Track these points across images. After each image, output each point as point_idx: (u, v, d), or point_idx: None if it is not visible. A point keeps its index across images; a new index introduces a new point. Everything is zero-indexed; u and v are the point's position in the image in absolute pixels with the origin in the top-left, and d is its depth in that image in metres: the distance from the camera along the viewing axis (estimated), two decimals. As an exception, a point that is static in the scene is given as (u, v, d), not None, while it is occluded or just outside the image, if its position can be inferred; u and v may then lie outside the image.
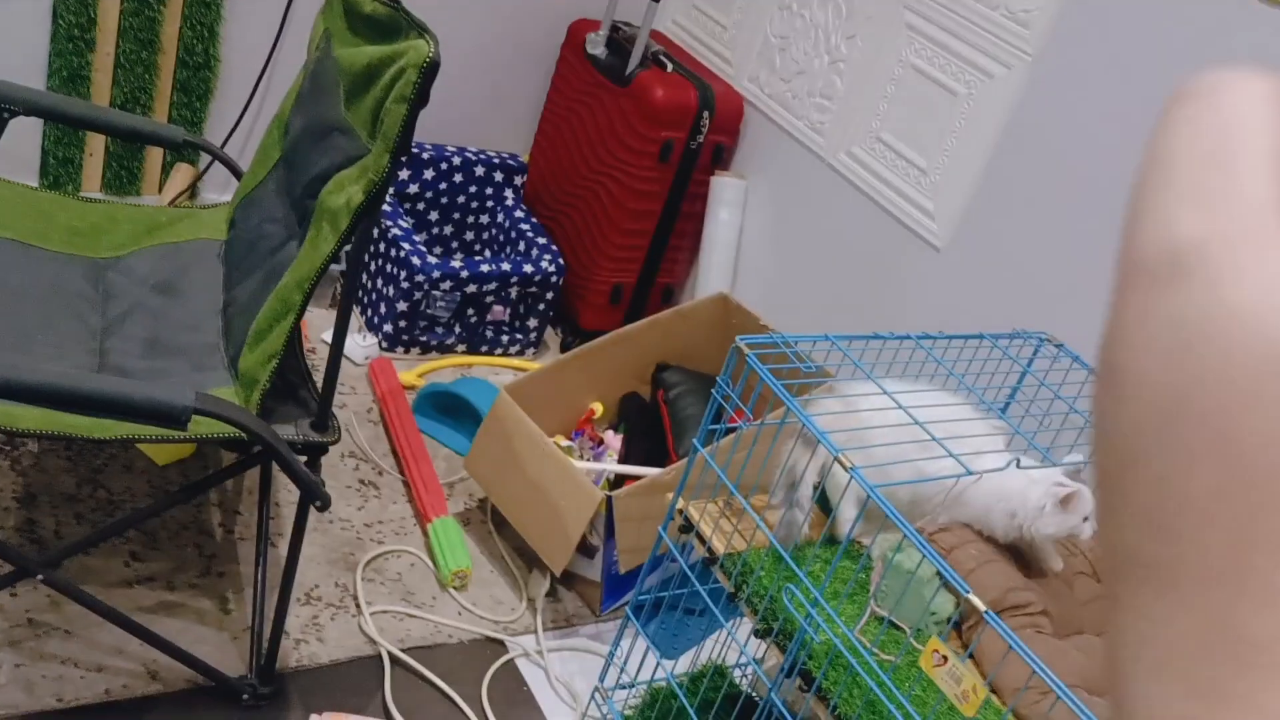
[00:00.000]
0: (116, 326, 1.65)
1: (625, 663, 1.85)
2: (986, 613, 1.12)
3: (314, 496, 1.41)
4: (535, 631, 1.95)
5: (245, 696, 1.63)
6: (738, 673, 1.87)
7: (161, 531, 1.86)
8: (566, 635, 1.97)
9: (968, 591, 1.13)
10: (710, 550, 1.51)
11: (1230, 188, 0.24)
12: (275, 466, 2.02)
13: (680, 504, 1.59)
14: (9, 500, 1.81)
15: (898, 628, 1.45)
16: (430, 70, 1.23)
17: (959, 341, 1.72)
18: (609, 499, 1.85)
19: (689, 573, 1.57)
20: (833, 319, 2.44)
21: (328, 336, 2.51)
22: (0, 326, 1.57)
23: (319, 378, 1.56)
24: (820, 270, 2.47)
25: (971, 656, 1.40)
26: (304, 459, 1.45)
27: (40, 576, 1.41)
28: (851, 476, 1.28)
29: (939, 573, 1.41)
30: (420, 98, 1.25)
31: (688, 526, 1.56)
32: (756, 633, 1.43)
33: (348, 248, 1.38)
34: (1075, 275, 1.94)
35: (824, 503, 1.66)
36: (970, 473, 1.33)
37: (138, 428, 1.36)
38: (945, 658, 1.15)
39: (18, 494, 1.83)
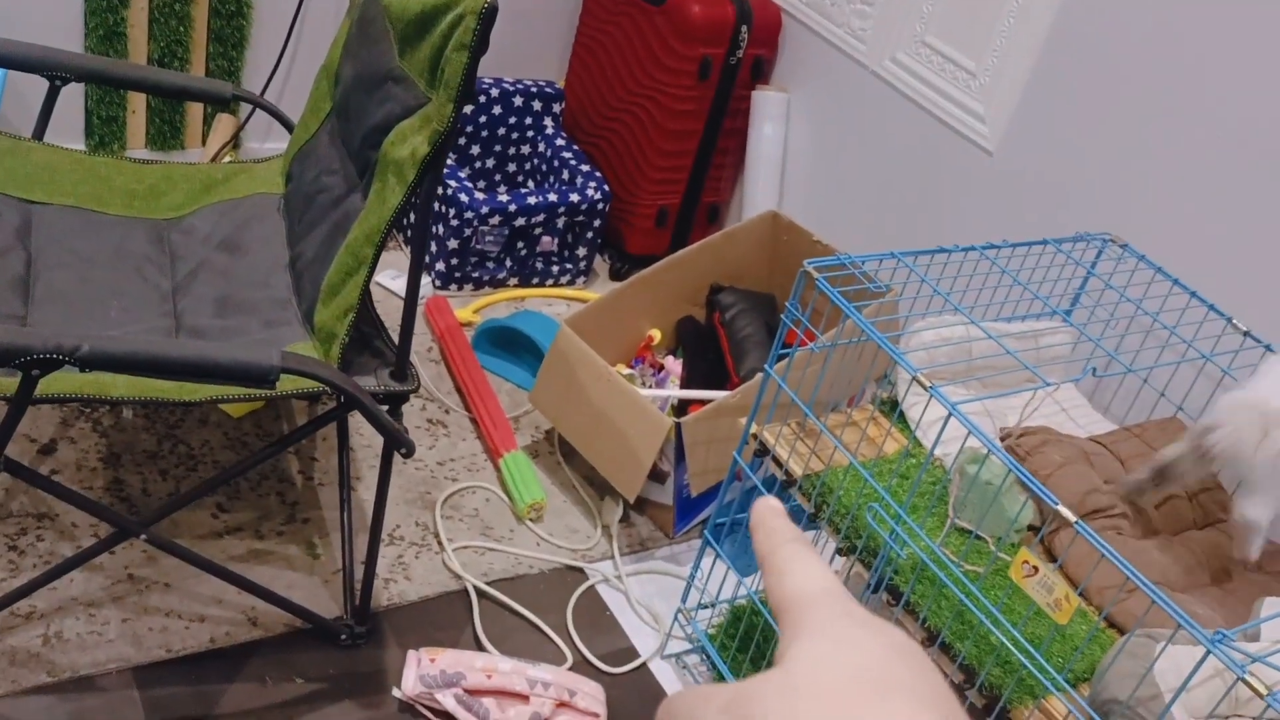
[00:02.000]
0: (186, 287, 1.67)
1: (705, 583, 1.89)
2: (1077, 523, 1.13)
3: (399, 444, 1.44)
4: (612, 557, 1.99)
5: (343, 637, 1.68)
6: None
7: (243, 483, 1.91)
8: (642, 559, 2.02)
9: (1056, 504, 1.14)
10: (788, 473, 1.54)
11: None
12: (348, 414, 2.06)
13: (754, 428, 1.61)
14: (95, 461, 1.86)
15: (979, 538, 1.47)
16: (489, 16, 1.23)
17: (1021, 249, 1.71)
18: (678, 425, 1.88)
19: (765, 493, 1.60)
20: (883, 230, 2.43)
21: (383, 279, 2.53)
22: (74, 294, 1.60)
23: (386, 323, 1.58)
24: (869, 181, 2.45)
25: (1056, 562, 1.43)
26: (385, 408, 1.48)
27: (143, 536, 1.45)
28: (931, 394, 1.29)
29: (1019, 482, 1.42)
30: (481, 44, 1.24)
31: (763, 450, 1.58)
32: (839, 551, 1.46)
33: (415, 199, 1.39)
34: (1134, 172, 1.92)
35: (900, 417, 1.68)
36: (1048, 384, 1.34)
37: (224, 389, 1.39)
38: (1036, 568, 1.17)
39: (102, 455, 1.88)
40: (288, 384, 1.41)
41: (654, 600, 1.93)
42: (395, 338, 1.56)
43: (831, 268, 1.50)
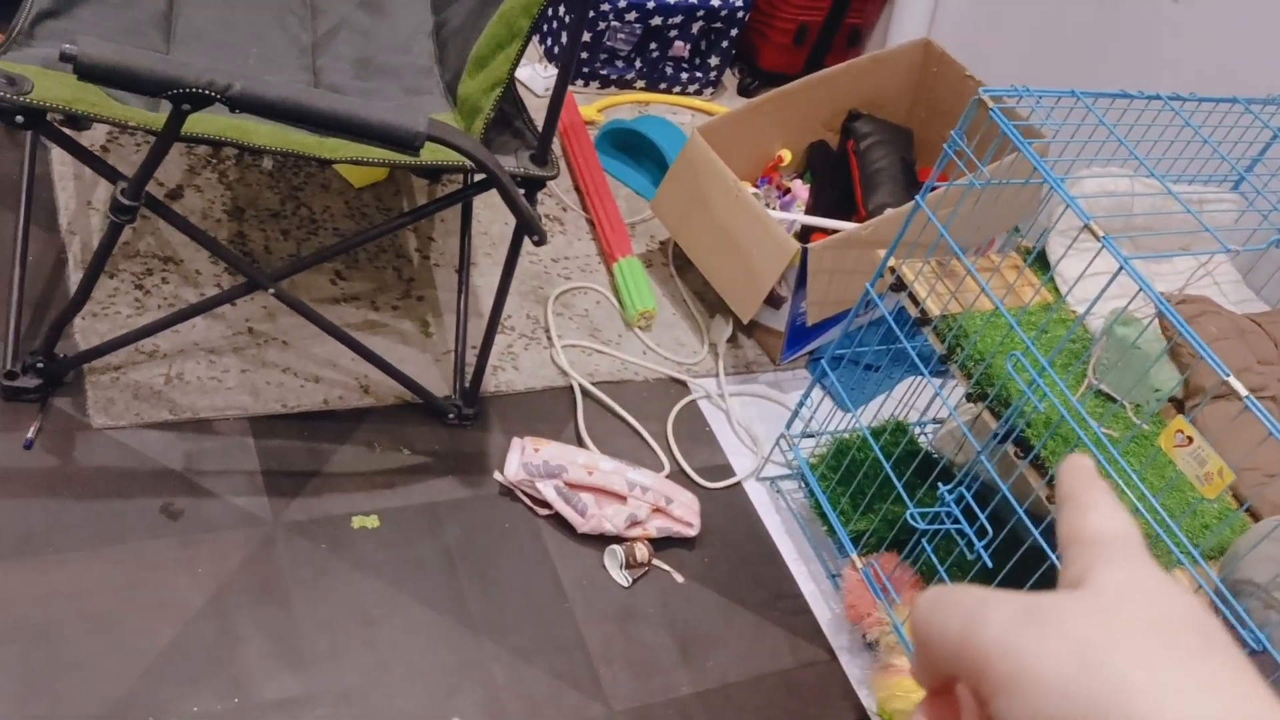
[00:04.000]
0: (326, 43, 1.62)
1: (814, 413, 1.87)
2: (1246, 398, 1.07)
3: (533, 230, 1.41)
4: (716, 375, 1.97)
5: (451, 415, 1.70)
6: (917, 430, 1.88)
7: (361, 253, 1.91)
8: (746, 381, 2.00)
9: (1228, 375, 1.08)
10: (923, 311, 1.48)
11: None
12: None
13: (892, 261, 1.54)
14: (220, 213, 1.86)
15: (1111, 400, 1.42)
16: None
17: (1202, 106, 1.59)
18: (804, 251, 1.82)
19: (897, 330, 1.55)
20: (1040, 75, 2.28)
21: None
22: (215, 36, 1.56)
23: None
24: (1033, 14, 2.29)
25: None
26: (521, 192, 1.44)
27: (271, 290, 1.46)
28: (1104, 245, 1.21)
29: (1169, 348, 1.36)
30: None
31: (899, 285, 1.52)
32: (969, 396, 1.42)
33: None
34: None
35: (1043, 264, 1.60)
36: (1228, 249, 1.25)
37: (364, 149, 1.36)
38: (1190, 438, 1.12)
39: (227, 208, 1.88)
40: (428, 154, 1.37)
41: (754, 422, 1.92)
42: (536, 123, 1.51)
43: (1004, 99, 1.40)
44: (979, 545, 1.37)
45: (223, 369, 1.65)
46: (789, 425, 1.78)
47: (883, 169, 2.15)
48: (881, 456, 1.60)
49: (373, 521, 1.55)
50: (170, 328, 1.63)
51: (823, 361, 1.68)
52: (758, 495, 1.81)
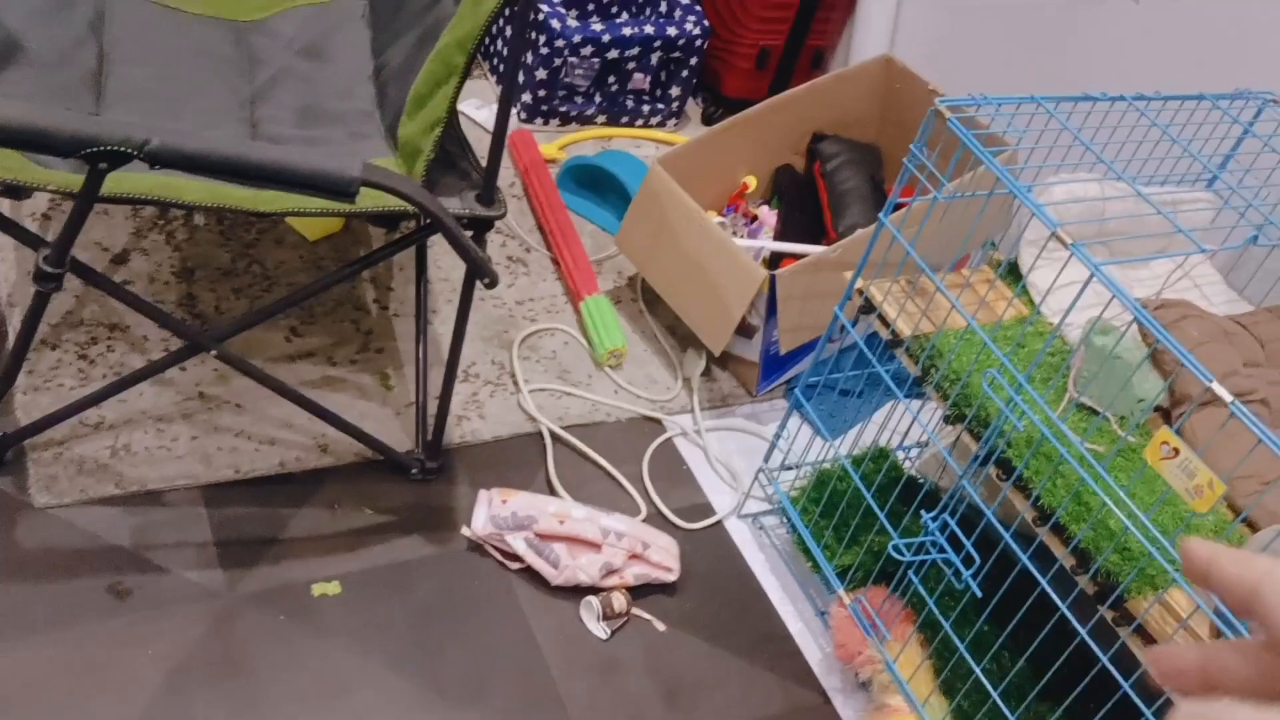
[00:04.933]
0: (266, 93, 1.57)
1: (791, 444, 1.81)
2: (1232, 403, 1.01)
3: (482, 273, 1.35)
4: (692, 411, 1.91)
5: (414, 471, 1.63)
6: (900, 455, 1.81)
7: (317, 307, 1.85)
8: (723, 415, 1.93)
9: (1211, 380, 1.02)
10: (894, 333, 1.43)
11: None
12: (428, 241, 1.97)
13: (860, 283, 1.49)
14: (168, 275, 1.81)
15: (1097, 413, 1.36)
16: None
17: (1172, 104, 1.54)
18: (772, 277, 1.77)
19: (869, 354, 1.49)
20: (1007, 85, 2.24)
21: (466, 108, 2.41)
22: (148, 94, 1.51)
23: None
24: (994, 28, 2.25)
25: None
26: (469, 234, 1.38)
27: (214, 351, 1.40)
28: (1072, 252, 1.16)
29: (1150, 355, 1.30)
30: None
31: (868, 307, 1.47)
32: (947, 418, 1.36)
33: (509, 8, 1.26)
34: (1305, 28, 1.71)
35: (1016, 276, 1.55)
36: (1204, 249, 1.20)
37: (301, 200, 1.30)
38: (1176, 450, 1.06)
39: (175, 269, 1.82)
40: (367, 200, 1.32)
41: (732, 458, 1.86)
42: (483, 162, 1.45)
43: (963, 109, 1.35)
44: (966, 574, 1.30)
45: (172, 437, 1.58)
46: (767, 459, 1.72)
47: (851, 189, 2.10)
48: (862, 486, 1.53)
49: (334, 588, 1.48)
50: (115, 396, 1.57)
51: (796, 391, 1.62)
52: (740, 533, 1.75)
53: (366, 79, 1.56)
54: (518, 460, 1.73)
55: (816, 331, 1.88)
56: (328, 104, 1.53)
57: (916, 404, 1.67)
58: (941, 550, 1.33)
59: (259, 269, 1.87)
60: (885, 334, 1.44)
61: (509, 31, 2.45)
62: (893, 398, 1.98)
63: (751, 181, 2.12)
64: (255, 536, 1.51)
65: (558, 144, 2.38)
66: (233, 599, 1.43)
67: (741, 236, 2.11)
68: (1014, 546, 1.24)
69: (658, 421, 1.88)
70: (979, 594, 1.28)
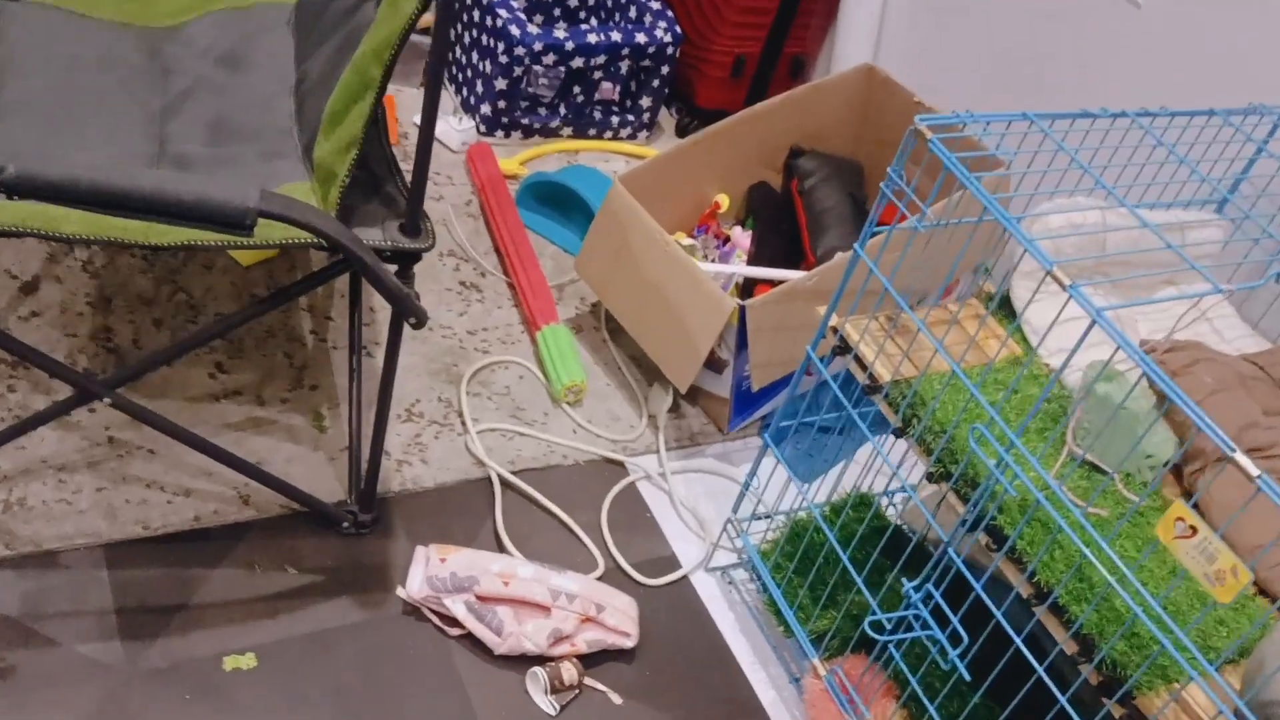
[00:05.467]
0: (177, 107, 1.42)
1: (763, 491, 1.66)
2: (1260, 478, 0.86)
3: (406, 313, 1.20)
4: (657, 452, 1.76)
5: (345, 524, 1.48)
6: (884, 501, 1.66)
7: (247, 339, 1.69)
8: (691, 456, 1.78)
9: (1234, 451, 0.87)
10: (872, 377, 1.27)
11: None
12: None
13: (834, 320, 1.34)
14: (82, 305, 1.65)
15: (1100, 471, 1.21)
16: None
17: (1178, 121, 1.39)
18: (742, 309, 1.61)
19: (844, 400, 1.34)
20: (998, 97, 2.09)
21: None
22: (46, 108, 1.36)
23: (410, 169, 1.32)
24: (986, 33, 2.10)
25: (1196, 507, 1.16)
26: (394, 268, 1.23)
27: (107, 400, 1.24)
28: (1070, 294, 1.01)
29: (1157, 406, 1.15)
30: None
31: (844, 347, 1.31)
32: (930, 477, 1.20)
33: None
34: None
35: (1008, 310, 1.40)
36: (1220, 289, 1.05)
37: (196, 233, 1.15)
38: (1194, 528, 0.91)
39: (91, 298, 1.67)
40: (274, 231, 1.16)
41: (700, 503, 1.71)
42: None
43: (946, 127, 1.20)
44: (953, 654, 1.15)
45: (74, 489, 1.43)
46: (736, 508, 1.57)
47: (830, 209, 1.95)
48: (838, 545, 1.38)
49: (248, 660, 1.33)
50: (11, 443, 1.42)
51: (766, 435, 1.47)
52: (706, 589, 1.59)
53: (288, 92, 1.41)
54: (463, 509, 1.58)
55: (790, 366, 1.73)
56: (242, 119, 1.37)
57: (901, 447, 1.52)
58: (925, 625, 1.18)
59: (184, 297, 1.72)
60: (862, 378, 1.29)
61: (467, 39, 2.30)
62: (876, 434, 1.83)
63: (724, 200, 1.97)
64: (162, 603, 1.35)
65: (519, 158, 2.23)
66: (132, 674, 1.28)
67: (713, 260, 1.96)
68: (1007, 627, 1.09)
69: (620, 464, 1.72)
70: (967, 677, 1.13)
